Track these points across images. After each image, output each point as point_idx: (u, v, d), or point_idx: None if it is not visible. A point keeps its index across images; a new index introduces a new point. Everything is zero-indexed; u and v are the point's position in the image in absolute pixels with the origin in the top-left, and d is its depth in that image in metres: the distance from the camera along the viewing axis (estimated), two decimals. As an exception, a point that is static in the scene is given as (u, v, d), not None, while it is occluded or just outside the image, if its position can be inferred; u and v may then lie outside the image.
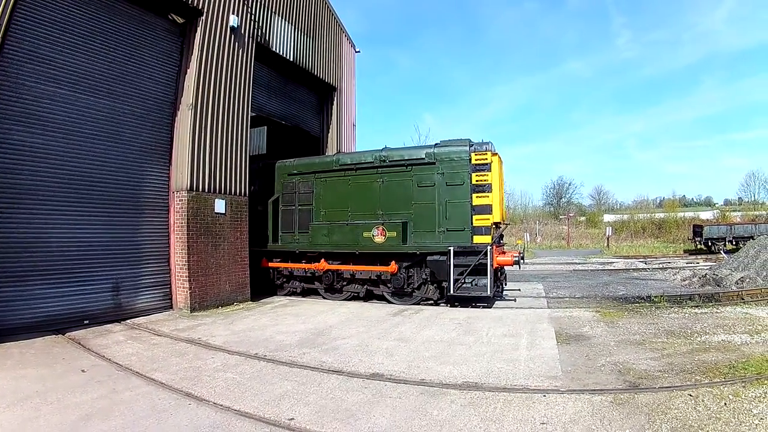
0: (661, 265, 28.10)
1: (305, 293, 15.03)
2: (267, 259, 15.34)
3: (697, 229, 41.61)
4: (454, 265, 12.13)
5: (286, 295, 15.00)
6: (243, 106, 13.43)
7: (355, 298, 14.11)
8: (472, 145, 12.80)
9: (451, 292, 12.19)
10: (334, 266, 14.05)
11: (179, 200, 11.74)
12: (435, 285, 13.18)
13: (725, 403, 5.40)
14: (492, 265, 11.98)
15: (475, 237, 12.40)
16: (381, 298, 13.80)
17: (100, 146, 10.52)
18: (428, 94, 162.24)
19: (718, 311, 11.06)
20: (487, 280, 11.98)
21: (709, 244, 39.13)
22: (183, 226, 11.62)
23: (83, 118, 10.18)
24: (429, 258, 12.65)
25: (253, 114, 14.74)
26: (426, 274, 13.07)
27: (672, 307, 11.94)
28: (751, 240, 24.51)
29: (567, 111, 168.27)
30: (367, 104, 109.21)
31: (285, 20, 15.71)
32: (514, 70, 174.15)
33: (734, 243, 37.75)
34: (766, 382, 6.08)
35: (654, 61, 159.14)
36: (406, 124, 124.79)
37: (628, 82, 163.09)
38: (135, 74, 11.28)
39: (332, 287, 14.25)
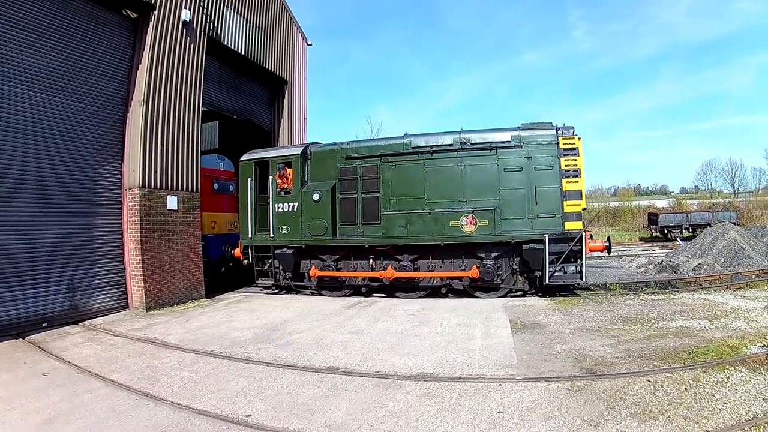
0: (616, 253, 28.56)
1: (368, 292, 13.94)
2: (306, 257, 14.07)
3: (653, 217, 41.65)
4: (548, 253, 11.70)
5: (344, 295, 13.78)
6: (194, 102, 13.36)
7: (433, 294, 13.18)
8: (559, 128, 12.26)
9: (546, 281, 11.72)
10: (403, 273, 12.97)
11: (132, 198, 11.67)
12: (524, 275, 12.68)
13: (686, 389, 5.49)
14: (586, 252, 11.75)
15: (566, 223, 11.83)
16: (462, 293, 12.94)
17: (53, 145, 10.40)
18: (383, 86, 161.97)
19: (676, 297, 11.16)
20: (575, 267, 11.77)
21: (665, 231, 39.12)
22: (136, 223, 11.58)
23: (37, 117, 10.06)
24: (525, 247, 11.92)
25: (205, 109, 14.67)
26: (516, 264, 12.45)
27: (628, 294, 12.13)
28: (709, 227, 24.73)
29: (522, 101, 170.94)
30: (320, 97, 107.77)
31: (237, 13, 15.63)
32: (471, 61, 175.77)
33: (691, 230, 37.86)
34: (727, 367, 6.14)
35: (612, 53, 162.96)
36: (360, 116, 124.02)
37: (585, 74, 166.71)
38: (88, 71, 11.15)
39: (409, 285, 13.28)
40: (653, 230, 40.81)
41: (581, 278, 11.76)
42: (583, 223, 12.09)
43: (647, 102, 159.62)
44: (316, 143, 14.76)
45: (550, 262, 11.64)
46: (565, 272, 11.79)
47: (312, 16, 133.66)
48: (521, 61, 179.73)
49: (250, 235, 14.47)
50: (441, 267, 12.89)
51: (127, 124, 11.97)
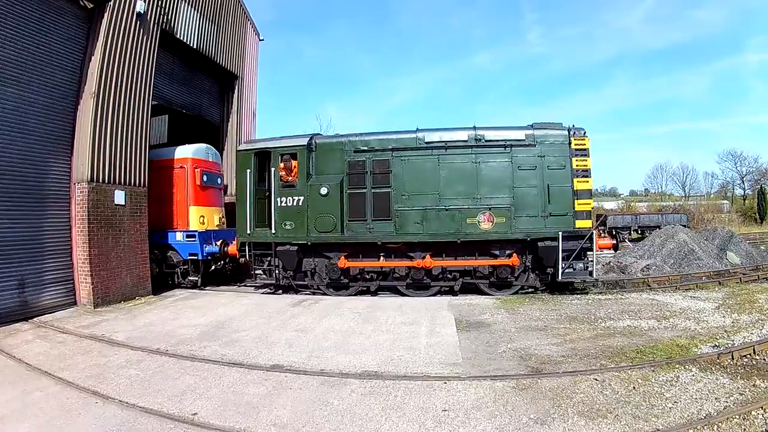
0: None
1: (364, 291, 13.50)
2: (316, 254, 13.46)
3: (601, 218, 41.69)
4: (561, 250, 11.90)
5: (350, 294, 13.31)
6: (145, 95, 13.26)
7: (446, 293, 13.06)
8: (570, 129, 12.51)
9: (559, 278, 11.99)
10: (443, 262, 12.80)
11: (80, 192, 11.56)
12: (536, 273, 12.77)
13: (634, 387, 5.59)
14: (596, 249, 12.10)
15: (577, 221, 12.14)
16: (474, 292, 12.93)
17: (4, 137, 10.25)
18: (332, 84, 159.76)
19: (624, 297, 11.47)
20: (583, 264, 12.14)
21: (614, 233, 38.19)
22: (84, 218, 11.47)
23: (-11, 109, 9.92)
24: (540, 244, 12.14)
25: (155, 102, 14.58)
26: (529, 262, 12.60)
27: (575, 294, 12.40)
28: (658, 229, 25.34)
29: (472, 103, 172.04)
30: (269, 93, 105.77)
31: (191, 6, 15.61)
32: (421, 60, 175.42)
33: (640, 232, 38.26)
34: (677, 366, 6.22)
35: (565, 57, 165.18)
36: (305, 113, 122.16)
37: (538, 76, 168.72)
38: (42, 62, 11.01)
39: (420, 283, 13.04)
40: (601, 231, 40.78)
41: (591, 275, 12.19)
42: (592, 221, 12.52)
43: (598, 106, 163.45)
44: (319, 134, 14.19)
45: (563, 259, 11.95)
46: (574, 269, 12.13)
47: (265, 10, 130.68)
48: (473, 63, 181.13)
49: (248, 231, 13.70)
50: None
51: (77, 116, 11.85)
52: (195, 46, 16.05)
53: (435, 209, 12.62)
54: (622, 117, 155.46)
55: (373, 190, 13.01)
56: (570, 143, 12.39)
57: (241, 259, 14.62)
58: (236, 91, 19.32)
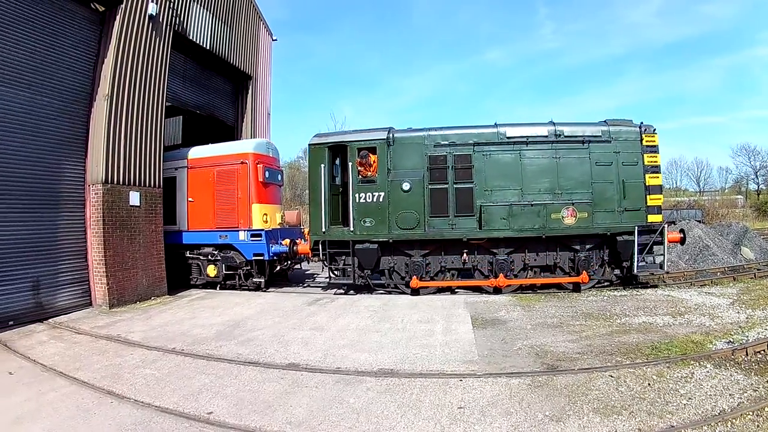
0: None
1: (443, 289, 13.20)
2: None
3: None
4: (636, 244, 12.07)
5: (430, 293, 12.87)
6: (158, 97, 13.28)
7: (522, 289, 12.91)
8: (641, 126, 12.66)
9: (635, 271, 12.13)
10: (515, 281, 12.70)
11: (95, 193, 11.61)
12: (611, 267, 12.90)
13: (649, 384, 5.57)
14: (666, 243, 12.26)
15: (649, 216, 12.34)
16: (551, 287, 12.90)
17: (18, 140, 10.30)
18: (343, 81, 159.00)
19: (639, 294, 11.45)
20: (653, 257, 12.35)
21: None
22: (99, 220, 11.52)
23: (3, 112, 9.96)
24: (618, 238, 12.27)
25: (169, 104, 14.58)
26: (606, 256, 12.73)
27: (590, 291, 12.38)
28: (673, 225, 24.84)
29: (481, 99, 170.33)
30: (282, 91, 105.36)
31: (203, 7, 15.60)
32: (430, 58, 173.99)
33: None
34: (692, 362, 6.21)
35: (577, 52, 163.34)
36: (319, 111, 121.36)
37: (548, 72, 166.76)
38: (55, 64, 11.04)
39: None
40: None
41: (661, 267, 12.38)
42: (663, 216, 12.72)
43: (608, 101, 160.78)
44: (392, 128, 13.42)
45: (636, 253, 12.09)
46: (646, 263, 12.30)
47: (278, 9, 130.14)
48: (484, 59, 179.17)
49: (323, 229, 13.17)
50: (536, 260, 12.82)
51: (91, 118, 11.87)
52: (208, 47, 16.05)
53: (520, 204, 12.47)
54: (634, 112, 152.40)
55: (455, 185, 12.75)
56: (641, 140, 12.53)
57: (314, 258, 14.23)
58: (250, 91, 19.30)
